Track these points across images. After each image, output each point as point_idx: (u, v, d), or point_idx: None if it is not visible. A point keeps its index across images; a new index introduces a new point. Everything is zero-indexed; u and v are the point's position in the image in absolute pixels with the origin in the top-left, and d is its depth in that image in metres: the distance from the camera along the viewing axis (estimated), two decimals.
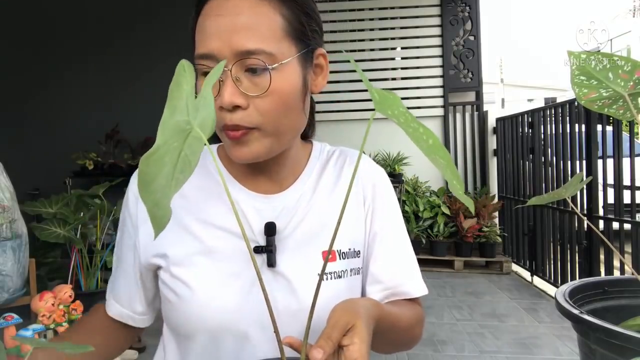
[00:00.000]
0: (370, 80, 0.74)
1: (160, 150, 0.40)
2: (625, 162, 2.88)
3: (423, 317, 0.80)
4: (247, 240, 0.48)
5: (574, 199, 3.26)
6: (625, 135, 3.16)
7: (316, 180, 0.77)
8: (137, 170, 0.49)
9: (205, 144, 0.41)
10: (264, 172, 0.74)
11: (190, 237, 0.70)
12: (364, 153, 0.68)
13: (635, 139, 3.45)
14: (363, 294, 0.77)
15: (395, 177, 4.61)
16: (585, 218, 3.19)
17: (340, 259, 0.72)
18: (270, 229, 0.70)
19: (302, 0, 0.67)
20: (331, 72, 0.76)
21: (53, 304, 1.30)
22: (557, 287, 1.94)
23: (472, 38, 5.02)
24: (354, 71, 3.70)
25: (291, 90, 0.65)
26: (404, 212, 4.36)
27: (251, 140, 0.65)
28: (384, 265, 0.76)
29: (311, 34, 0.68)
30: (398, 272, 0.77)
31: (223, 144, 0.77)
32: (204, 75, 0.64)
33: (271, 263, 0.68)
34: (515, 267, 4.37)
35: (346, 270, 0.73)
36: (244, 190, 0.73)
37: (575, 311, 0.45)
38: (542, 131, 3.88)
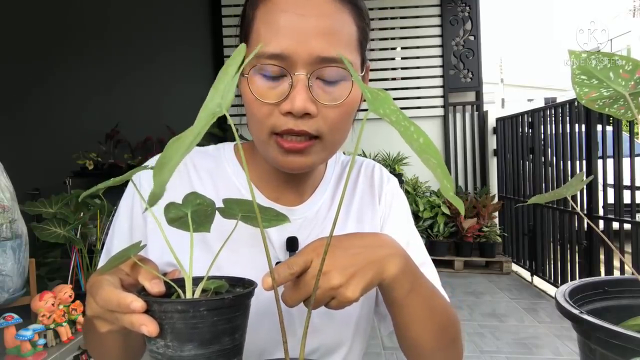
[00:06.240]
0: (371, 80, 0.74)
1: (188, 133, 0.39)
2: (625, 162, 2.88)
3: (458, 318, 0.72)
4: (269, 257, 0.47)
5: (574, 198, 3.26)
6: (625, 135, 3.16)
7: (333, 190, 0.75)
8: (142, 170, 0.48)
9: (239, 147, 0.41)
10: (290, 182, 0.70)
11: (206, 247, 0.65)
12: (365, 155, 0.68)
13: (635, 139, 3.45)
14: (376, 302, 0.75)
15: (396, 177, 4.61)
16: (586, 217, 3.18)
17: None
18: (292, 244, 0.67)
19: (367, 11, 0.65)
20: None
21: (53, 304, 1.30)
22: (557, 287, 1.94)
23: (472, 38, 5.02)
24: None
25: (357, 104, 0.64)
26: None
27: (311, 152, 0.61)
28: None
29: (367, 46, 0.67)
30: None
31: (238, 144, 0.75)
32: (267, 76, 0.59)
33: None
34: (515, 267, 4.37)
35: None
36: (265, 202, 0.69)
37: (575, 311, 0.44)
38: (542, 131, 3.88)
